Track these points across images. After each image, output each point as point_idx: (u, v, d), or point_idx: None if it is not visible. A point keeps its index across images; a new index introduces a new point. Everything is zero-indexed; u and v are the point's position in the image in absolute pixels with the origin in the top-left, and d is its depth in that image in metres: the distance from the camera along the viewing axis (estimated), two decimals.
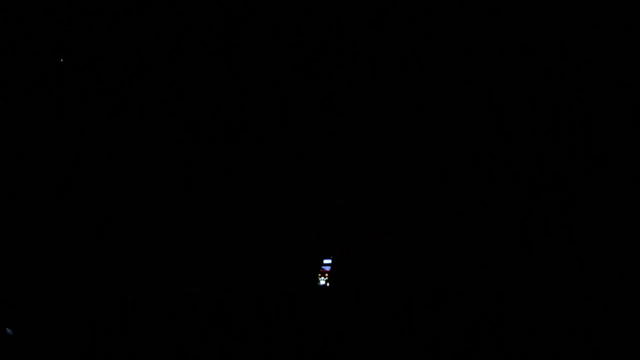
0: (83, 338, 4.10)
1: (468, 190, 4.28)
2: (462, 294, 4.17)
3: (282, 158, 4.35)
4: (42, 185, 4.30)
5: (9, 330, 4.03)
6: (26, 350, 4.07)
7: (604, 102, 4.27)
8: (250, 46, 4.37)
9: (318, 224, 4.30)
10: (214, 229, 4.30)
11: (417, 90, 4.35)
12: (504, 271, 4.20)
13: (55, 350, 4.08)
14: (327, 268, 4.24)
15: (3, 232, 4.24)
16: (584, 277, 4.15)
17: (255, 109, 4.37)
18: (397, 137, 4.34)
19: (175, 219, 4.30)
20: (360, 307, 4.19)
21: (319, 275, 4.24)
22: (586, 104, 4.28)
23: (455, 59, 4.34)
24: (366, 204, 4.32)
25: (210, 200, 4.32)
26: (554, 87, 4.29)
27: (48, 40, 4.35)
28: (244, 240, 4.29)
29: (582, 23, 4.29)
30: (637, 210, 4.19)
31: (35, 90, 4.33)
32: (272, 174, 4.34)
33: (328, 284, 4.23)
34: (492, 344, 4.09)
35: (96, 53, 4.36)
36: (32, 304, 4.14)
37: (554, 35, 4.30)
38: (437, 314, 4.15)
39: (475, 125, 4.31)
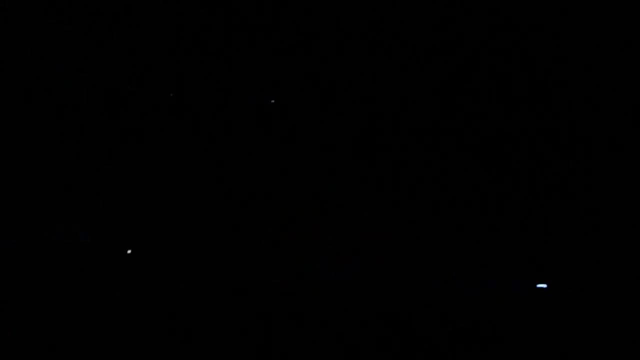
0: (83, 338, 4.10)
1: (468, 190, 4.28)
2: (461, 294, 4.17)
3: (282, 158, 4.35)
4: (42, 185, 4.30)
5: None
6: (26, 350, 4.07)
7: (604, 102, 4.27)
8: (250, 46, 4.37)
9: (318, 224, 4.30)
10: (213, 229, 4.29)
11: (417, 90, 4.35)
12: (504, 271, 4.20)
13: (55, 350, 4.08)
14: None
15: (3, 232, 4.24)
16: (584, 277, 4.16)
17: (255, 109, 4.37)
18: (397, 136, 4.34)
19: (175, 219, 4.30)
20: (360, 307, 4.19)
21: None
22: (586, 104, 4.28)
23: (455, 59, 4.34)
24: (366, 204, 4.32)
25: (209, 200, 4.32)
26: (554, 86, 4.30)
27: (48, 40, 4.35)
28: (244, 240, 4.28)
29: (582, 23, 4.30)
30: (638, 210, 4.19)
31: (35, 90, 4.33)
32: (272, 173, 4.34)
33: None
34: (492, 343, 4.09)
35: (96, 53, 4.36)
36: (32, 303, 4.14)
37: (554, 35, 4.31)
38: (437, 313, 4.15)
39: (475, 125, 4.31)
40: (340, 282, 4.22)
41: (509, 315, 4.12)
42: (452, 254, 4.25)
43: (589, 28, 4.30)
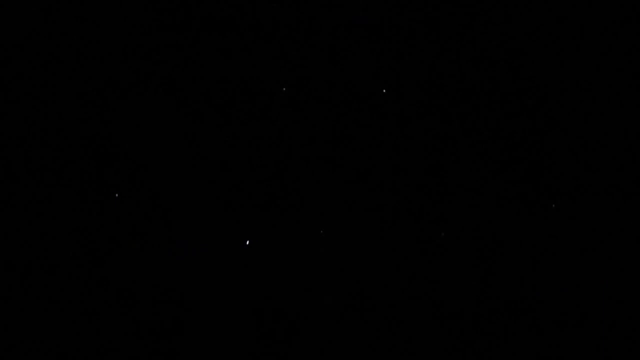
0: (83, 338, 4.11)
1: (468, 190, 4.28)
2: (461, 293, 4.18)
3: (282, 157, 4.35)
4: (42, 185, 4.30)
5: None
6: (26, 350, 4.08)
7: (604, 102, 4.28)
8: (250, 46, 4.37)
9: (318, 223, 4.30)
10: (213, 229, 4.30)
11: (417, 90, 4.35)
12: (504, 270, 4.21)
13: (55, 351, 4.08)
14: None
15: (4, 231, 4.25)
16: (584, 277, 4.17)
17: (256, 108, 4.37)
18: (397, 136, 4.34)
19: (174, 219, 4.30)
20: (360, 306, 4.19)
21: None
22: (586, 104, 4.29)
23: (455, 59, 4.35)
24: (365, 203, 4.32)
25: (209, 200, 4.32)
26: (554, 87, 4.31)
27: (48, 40, 4.35)
28: (244, 240, 4.29)
29: (582, 23, 4.31)
30: (638, 210, 4.20)
31: (35, 90, 4.33)
32: (272, 173, 4.34)
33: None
34: (492, 343, 4.10)
35: (96, 53, 4.36)
36: (32, 303, 4.15)
37: (554, 35, 4.31)
38: (436, 313, 4.15)
39: (474, 124, 4.32)
40: (341, 282, 4.23)
41: (508, 315, 4.13)
42: (452, 254, 4.25)
43: (588, 28, 4.30)
